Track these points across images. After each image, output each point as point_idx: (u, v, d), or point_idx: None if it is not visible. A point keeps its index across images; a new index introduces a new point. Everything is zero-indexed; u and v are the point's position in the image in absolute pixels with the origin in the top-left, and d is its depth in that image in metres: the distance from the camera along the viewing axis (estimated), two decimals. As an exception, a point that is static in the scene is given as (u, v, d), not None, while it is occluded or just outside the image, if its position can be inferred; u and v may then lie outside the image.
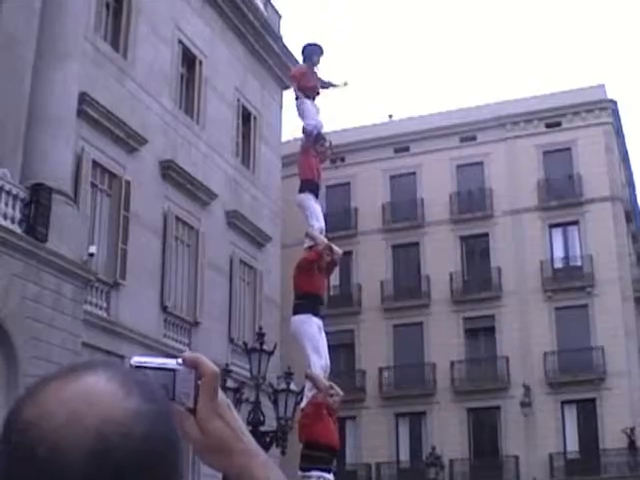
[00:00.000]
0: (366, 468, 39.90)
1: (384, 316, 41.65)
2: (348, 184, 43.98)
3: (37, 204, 16.96)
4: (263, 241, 31.56)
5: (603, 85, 42.79)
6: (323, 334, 11.74)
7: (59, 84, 18.38)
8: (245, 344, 19.62)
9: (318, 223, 12.45)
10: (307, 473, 10.90)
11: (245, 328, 29.08)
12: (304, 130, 13.05)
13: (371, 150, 43.93)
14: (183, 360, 1.20)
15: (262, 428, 17.15)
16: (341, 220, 41.68)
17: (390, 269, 42.58)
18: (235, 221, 29.67)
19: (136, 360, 1.18)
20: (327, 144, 13.25)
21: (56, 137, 18.07)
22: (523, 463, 37.95)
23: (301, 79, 13.48)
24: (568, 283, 39.45)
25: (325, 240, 12.11)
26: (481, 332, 40.68)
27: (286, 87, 33.79)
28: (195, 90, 28.63)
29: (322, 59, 13.80)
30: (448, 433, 38.72)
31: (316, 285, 11.98)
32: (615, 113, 42.48)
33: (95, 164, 22.89)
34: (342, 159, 42.35)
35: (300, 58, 14.55)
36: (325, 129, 13.63)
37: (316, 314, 11.78)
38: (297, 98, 13.35)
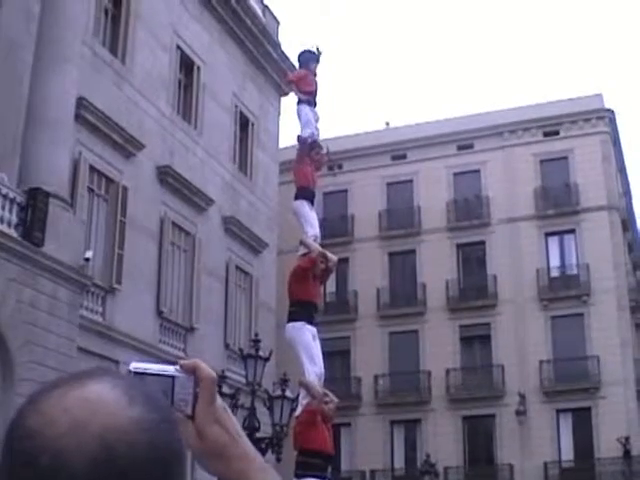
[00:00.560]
0: (361, 475, 39.82)
1: (380, 323, 41.62)
2: (345, 191, 43.98)
3: (34, 208, 16.94)
4: (259, 247, 31.55)
5: (601, 94, 42.86)
6: (318, 342, 11.72)
7: (57, 88, 18.37)
8: (241, 350, 19.62)
9: (313, 230, 12.43)
10: (302, 480, 10.90)
11: (241, 334, 29.06)
12: (299, 139, 13.03)
13: (368, 157, 43.93)
14: (181, 367, 1.20)
15: (257, 434, 17.13)
16: (338, 227, 41.71)
17: (386, 276, 42.57)
18: (231, 227, 29.66)
19: (135, 366, 1.18)
20: (323, 152, 13.23)
21: (54, 141, 18.06)
22: (518, 471, 37.91)
23: (299, 83, 13.45)
24: (564, 292, 39.45)
25: (319, 248, 12.10)
26: (477, 340, 40.65)
27: (284, 93, 33.86)
28: (193, 96, 28.65)
29: (319, 66, 13.79)
30: (443, 441, 38.68)
31: (310, 293, 11.96)
32: (612, 122, 42.54)
33: (92, 169, 22.88)
34: (340, 166, 42.37)
35: (297, 65, 14.54)
36: (322, 136, 13.61)
37: (310, 322, 11.76)
38: (299, 102, 13.31)
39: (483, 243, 41.65)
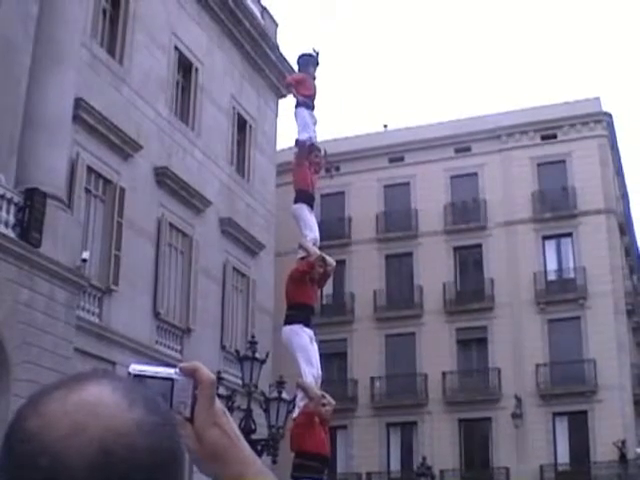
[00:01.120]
0: (357, 478, 39.80)
1: (377, 326, 41.62)
2: (342, 193, 43.96)
3: (31, 209, 16.93)
4: (256, 249, 31.53)
5: (598, 98, 42.89)
6: (315, 344, 11.75)
7: (55, 89, 18.36)
8: (237, 352, 19.58)
9: (312, 234, 12.44)
10: (298, 482, 10.90)
11: (237, 336, 29.04)
12: (297, 142, 13.03)
13: (366, 160, 43.94)
14: (181, 369, 1.20)
15: (253, 436, 17.10)
16: (335, 229, 41.67)
17: (383, 279, 42.57)
18: (229, 229, 29.64)
19: (134, 368, 1.18)
20: (321, 154, 13.23)
21: (51, 142, 18.05)
22: (514, 474, 37.89)
23: (298, 86, 13.45)
24: (561, 295, 39.46)
25: (317, 251, 12.10)
26: (473, 343, 40.67)
27: (282, 95, 33.85)
28: (191, 97, 28.64)
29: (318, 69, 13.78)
30: (439, 443, 38.67)
31: (308, 296, 11.98)
32: (610, 126, 42.57)
33: (90, 170, 22.87)
34: (337, 168, 42.36)
35: (296, 67, 14.52)
36: (320, 138, 13.62)
37: (307, 324, 11.78)
38: (297, 105, 13.30)
39: (480, 246, 41.66)
